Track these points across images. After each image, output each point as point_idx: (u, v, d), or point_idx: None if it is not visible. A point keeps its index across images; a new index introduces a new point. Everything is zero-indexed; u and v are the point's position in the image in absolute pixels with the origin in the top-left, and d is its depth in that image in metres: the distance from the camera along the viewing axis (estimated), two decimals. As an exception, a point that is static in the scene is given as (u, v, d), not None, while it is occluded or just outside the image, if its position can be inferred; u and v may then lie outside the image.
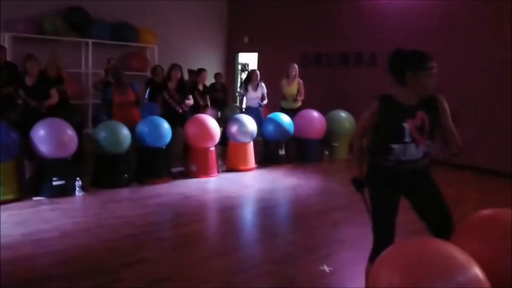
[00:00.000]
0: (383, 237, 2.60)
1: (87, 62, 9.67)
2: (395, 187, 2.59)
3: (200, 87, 7.49)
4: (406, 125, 2.46)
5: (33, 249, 3.65)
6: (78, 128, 6.07)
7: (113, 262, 3.47)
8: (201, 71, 7.71)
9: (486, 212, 2.25)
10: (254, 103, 7.90)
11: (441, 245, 1.80)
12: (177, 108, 6.61)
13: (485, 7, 7.16)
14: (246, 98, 8.04)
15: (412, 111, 2.49)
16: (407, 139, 2.47)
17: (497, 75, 6.97)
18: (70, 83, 7.52)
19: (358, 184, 2.71)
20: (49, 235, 3.94)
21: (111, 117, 6.08)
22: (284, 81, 7.93)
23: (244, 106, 8.34)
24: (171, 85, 6.69)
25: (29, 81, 5.54)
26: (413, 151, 2.49)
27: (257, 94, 7.86)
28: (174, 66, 6.84)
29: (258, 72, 7.97)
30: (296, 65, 8.06)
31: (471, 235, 2.10)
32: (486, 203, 3.57)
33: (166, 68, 8.49)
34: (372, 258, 2.57)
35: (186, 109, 6.70)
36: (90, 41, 9.56)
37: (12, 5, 8.83)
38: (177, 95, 6.66)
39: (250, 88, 7.88)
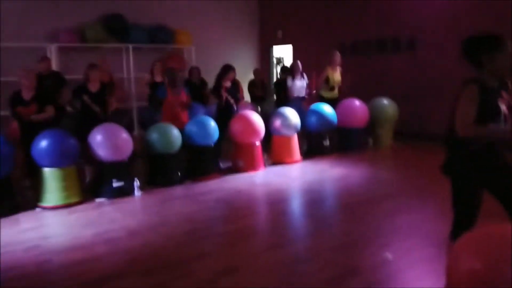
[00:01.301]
0: (469, 218, 2.65)
1: (129, 67, 9.98)
2: (490, 165, 2.62)
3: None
4: (501, 105, 2.55)
5: (105, 248, 3.86)
6: (128, 131, 6.36)
7: (180, 257, 3.65)
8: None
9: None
10: (300, 93, 8.08)
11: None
12: (234, 104, 6.99)
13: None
14: (293, 89, 8.15)
15: (498, 92, 2.59)
16: (501, 119, 2.55)
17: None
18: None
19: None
20: (118, 235, 4.16)
21: (159, 116, 6.37)
22: (328, 68, 8.02)
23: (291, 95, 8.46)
24: (227, 84, 6.99)
25: (92, 88, 5.86)
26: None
27: (302, 84, 8.08)
28: (230, 67, 7.08)
29: (299, 62, 8.15)
30: (338, 52, 8.15)
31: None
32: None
33: (202, 67, 8.80)
34: (454, 237, 2.65)
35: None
36: (130, 46, 9.85)
37: (54, 17, 9.22)
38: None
39: (295, 78, 8.07)
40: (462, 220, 2.69)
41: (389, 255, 3.51)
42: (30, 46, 8.81)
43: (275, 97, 9.00)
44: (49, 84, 6.77)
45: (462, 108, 2.53)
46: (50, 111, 5.64)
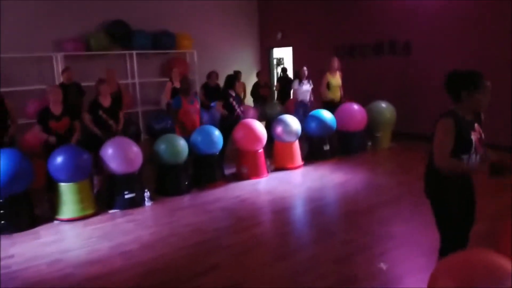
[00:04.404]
0: (459, 241, 2.91)
1: (133, 72, 10.24)
2: (465, 194, 2.92)
3: None
4: (473, 138, 2.77)
5: (121, 261, 4.16)
6: (135, 138, 6.67)
7: (191, 270, 3.94)
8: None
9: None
10: (306, 97, 8.68)
11: (489, 255, 2.13)
12: (239, 112, 7.32)
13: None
14: (298, 92, 8.61)
15: (472, 124, 2.82)
16: (472, 150, 2.77)
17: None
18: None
19: (498, 169, 2.68)
20: (132, 247, 4.47)
21: (175, 123, 6.78)
22: (328, 74, 8.39)
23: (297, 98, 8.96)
24: (233, 92, 7.32)
25: (105, 102, 6.15)
26: (474, 160, 2.81)
27: (308, 88, 8.68)
28: (234, 78, 7.45)
29: (305, 68, 8.70)
30: (336, 58, 8.55)
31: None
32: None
33: (204, 70, 9.12)
34: (442, 254, 2.95)
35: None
36: (134, 52, 10.10)
37: (58, 26, 9.45)
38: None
39: (301, 83, 8.66)
40: (449, 241, 2.97)
41: (383, 265, 3.80)
42: (37, 56, 9.08)
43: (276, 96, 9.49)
44: (72, 95, 7.10)
45: (439, 140, 2.75)
46: (78, 128, 5.94)
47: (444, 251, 2.98)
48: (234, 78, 7.37)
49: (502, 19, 7.43)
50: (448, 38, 8.30)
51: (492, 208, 4.86)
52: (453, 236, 2.95)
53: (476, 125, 2.86)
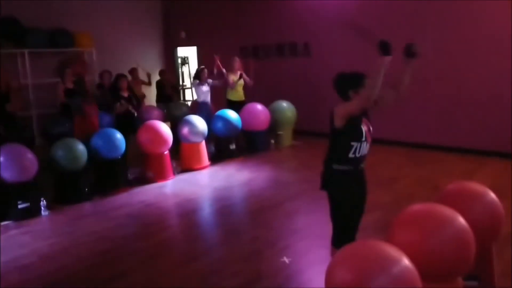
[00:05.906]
0: (350, 230, 3.16)
1: (25, 73, 9.52)
2: (356, 183, 3.17)
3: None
4: (363, 128, 3.06)
5: (19, 277, 3.89)
6: (29, 144, 6.22)
7: (97, 279, 3.81)
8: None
9: (417, 207, 2.83)
10: (207, 97, 8.52)
11: (378, 245, 2.35)
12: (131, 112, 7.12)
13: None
14: (199, 93, 8.50)
15: (360, 118, 3.09)
16: (363, 138, 3.06)
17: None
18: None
19: (385, 46, 2.87)
20: (30, 260, 4.19)
21: (73, 126, 6.51)
22: (230, 74, 8.46)
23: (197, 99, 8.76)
24: (124, 93, 7.09)
25: None
26: (365, 148, 3.10)
27: (208, 89, 8.52)
28: (120, 76, 7.19)
29: (206, 69, 8.54)
30: (237, 58, 8.68)
31: (405, 230, 2.68)
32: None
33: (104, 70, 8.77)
34: (337, 244, 3.14)
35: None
36: (26, 51, 9.41)
37: None
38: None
39: (201, 84, 8.44)
40: (339, 230, 3.21)
41: (286, 259, 3.98)
42: None
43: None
44: None
45: (354, 103, 2.97)
46: None
47: (335, 240, 3.24)
48: (115, 80, 7.24)
49: (396, 18, 8.04)
50: (344, 39, 8.84)
51: (386, 198, 5.31)
52: (343, 226, 3.20)
53: (364, 119, 3.13)
